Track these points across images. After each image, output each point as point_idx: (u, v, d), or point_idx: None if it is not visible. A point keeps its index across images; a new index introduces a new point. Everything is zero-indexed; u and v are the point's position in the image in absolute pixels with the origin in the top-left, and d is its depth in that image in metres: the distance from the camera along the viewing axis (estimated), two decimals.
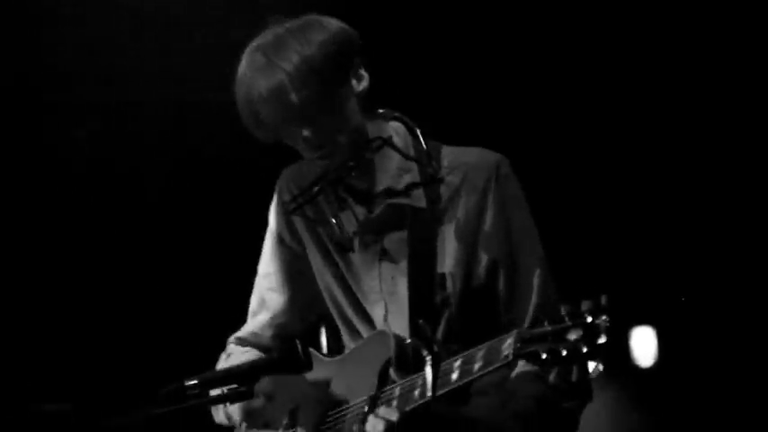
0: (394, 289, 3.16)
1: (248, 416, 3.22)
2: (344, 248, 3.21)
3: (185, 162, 5.89)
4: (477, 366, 2.69)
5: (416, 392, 2.83)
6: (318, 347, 3.26)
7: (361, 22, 3.20)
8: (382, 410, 2.85)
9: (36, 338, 5.84)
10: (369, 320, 3.20)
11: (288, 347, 2.99)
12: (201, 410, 3.05)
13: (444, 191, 3.15)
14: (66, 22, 5.43)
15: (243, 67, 3.12)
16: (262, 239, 3.47)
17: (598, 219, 6.23)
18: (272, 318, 3.41)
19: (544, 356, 2.47)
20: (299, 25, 3.10)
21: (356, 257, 3.21)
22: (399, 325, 3.10)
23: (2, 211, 5.76)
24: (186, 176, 5.92)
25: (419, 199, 3.15)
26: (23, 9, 5.40)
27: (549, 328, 2.48)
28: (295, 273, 3.38)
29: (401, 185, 3.16)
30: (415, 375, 2.86)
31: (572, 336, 2.44)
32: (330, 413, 3.12)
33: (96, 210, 5.91)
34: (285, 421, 3.19)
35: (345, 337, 3.30)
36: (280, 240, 3.39)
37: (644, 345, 7.03)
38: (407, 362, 2.95)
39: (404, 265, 3.14)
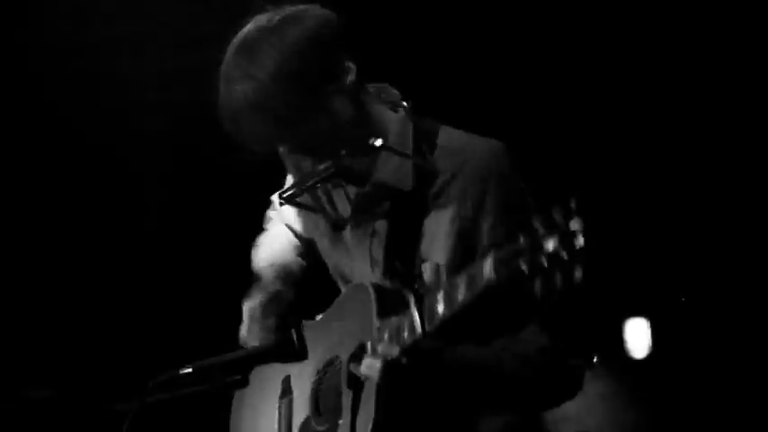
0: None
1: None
2: (338, 227, 3.17)
3: (185, 160, 5.90)
4: (461, 295, 2.63)
5: (405, 333, 2.78)
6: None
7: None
8: (381, 347, 2.81)
9: (29, 328, 5.84)
10: None
11: (283, 336, 2.97)
12: (196, 399, 3.03)
13: (438, 178, 3.05)
14: (66, 23, 5.42)
15: (221, 75, 3.00)
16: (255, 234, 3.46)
17: (592, 211, 6.22)
18: (272, 263, 3.39)
19: (525, 269, 2.44)
20: (275, 25, 2.97)
21: (351, 236, 3.16)
22: None
23: None
24: (186, 175, 5.93)
25: (406, 183, 3.06)
26: (23, 8, 5.39)
27: (526, 242, 2.46)
28: (299, 242, 3.40)
29: (391, 170, 3.07)
30: (402, 316, 2.81)
31: (549, 244, 2.42)
32: (321, 369, 3.09)
33: (84, 198, 5.90)
34: (279, 391, 3.18)
35: None
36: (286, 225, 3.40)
37: (638, 337, 7.04)
38: (389, 307, 2.90)
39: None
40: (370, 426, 2.84)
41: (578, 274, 2.42)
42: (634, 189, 6.27)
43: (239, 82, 2.93)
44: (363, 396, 2.89)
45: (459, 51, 5.75)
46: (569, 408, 3.08)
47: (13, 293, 5.80)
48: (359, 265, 3.15)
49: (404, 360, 2.77)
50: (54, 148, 5.75)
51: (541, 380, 2.93)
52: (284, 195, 3.17)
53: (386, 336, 2.84)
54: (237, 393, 3.40)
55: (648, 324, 7.02)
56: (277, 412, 3.20)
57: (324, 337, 3.12)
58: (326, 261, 3.30)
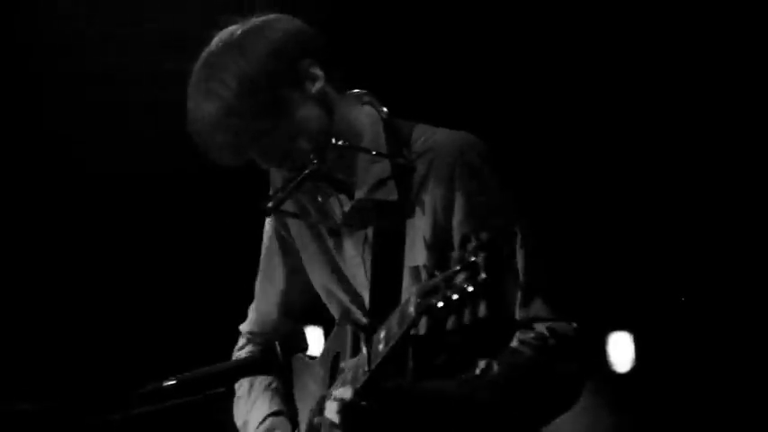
0: None
1: None
2: (333, 233, 3.17)
3: (184, 160, 5.89)
4: (394, 331, 2.65)
5: (360, 371, 2.79)
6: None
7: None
8: (337, 392, 2.81)
9: (15, 339, 5.83)
10: (364, 306, 3.17)
11: (267, 349, 2.99)
12: (179, 412, 3.04)
13: (414, 180, 3.05)
14: (66, 22, 5.44)
15: (187, 92, 3.04)
16: (254, 239, 3.47)
17: (576, 224, 6.24)
18: (277, 292, 3.37)
19: (440, 306, 2.48)
20: (236, 39, 2.99)
21: (346, 244, 3.17)
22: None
23: None
24: (185, 175, 5.93)
25: (390, 192, 3.07)
26: (23, 7, 5.40)
27: (440, 277, 2.50)
28: (294, 260, 3.35)
29: (372, 179, 3.08)
30: (360, 355, 2.83)
31: (458, 279, 2.46)
32: (315, 408, 3.10)
33: (81, 207, 5.91)
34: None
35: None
36: (279, 237, 3.36)
37: (621, 351, 7.05)
38: (358, 346, 2.94)
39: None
40: None
41: (482, 308, 2.46)
42: (617, 203, 6.29)
43: (203, 100, 2.98)
44: None
45: (446, 53, 5.74)
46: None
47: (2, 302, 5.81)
48: (357, 272, 3.15)
49: (362, 402, 2.76)
50: (52, 147, 5.77)
51: (522, 395, 2.93)
52: (269, 205, 3.18)
53: (349, 376, 2.85)
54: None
55: (632, 338, 7.05)
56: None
57: (310, 379, 3.16)
58: (310, 275, 3.29)
